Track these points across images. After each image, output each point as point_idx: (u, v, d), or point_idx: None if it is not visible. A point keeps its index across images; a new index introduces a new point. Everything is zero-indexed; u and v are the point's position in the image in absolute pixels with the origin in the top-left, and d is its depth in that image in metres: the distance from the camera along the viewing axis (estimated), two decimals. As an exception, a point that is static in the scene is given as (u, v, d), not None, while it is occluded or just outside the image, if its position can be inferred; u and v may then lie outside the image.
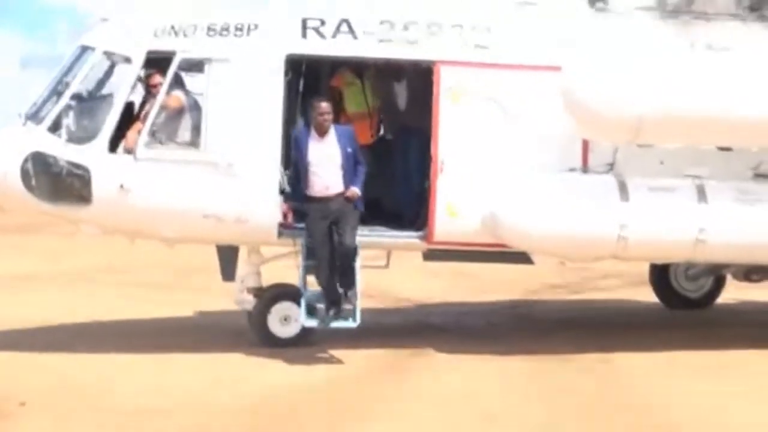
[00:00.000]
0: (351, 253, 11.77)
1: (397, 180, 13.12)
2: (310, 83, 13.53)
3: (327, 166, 11.70)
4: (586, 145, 12.37)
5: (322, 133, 11.73)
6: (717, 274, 15.73)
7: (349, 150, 11.76)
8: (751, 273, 14.31)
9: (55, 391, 10.40)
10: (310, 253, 11.96)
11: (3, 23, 67.61)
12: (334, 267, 11.82)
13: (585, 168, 12.39)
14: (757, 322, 14.85)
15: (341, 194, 11.76)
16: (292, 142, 11.89)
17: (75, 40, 12.86)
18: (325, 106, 11.74)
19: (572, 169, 12.33)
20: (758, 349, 12.52)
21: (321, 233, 11.80)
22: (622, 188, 12.06)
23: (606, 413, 9.72)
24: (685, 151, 12.32)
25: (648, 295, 16.42)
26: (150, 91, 12.36)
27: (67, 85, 12.29)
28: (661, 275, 16.09)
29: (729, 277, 15.71)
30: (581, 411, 9.82)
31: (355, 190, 11.80)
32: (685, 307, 15.93)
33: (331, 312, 11.82)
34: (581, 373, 11.43)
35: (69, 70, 12.47)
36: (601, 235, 11.97)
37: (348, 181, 11.77)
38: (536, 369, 11.51)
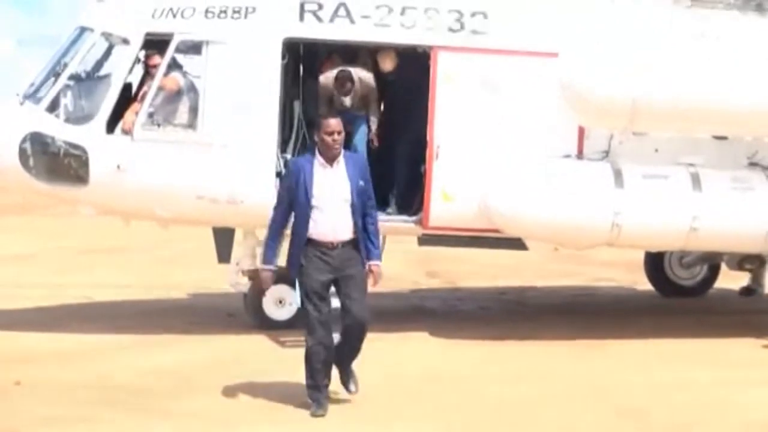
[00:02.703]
0: (360, 329, 9.04)
1: (391, 164, 13.11)
2: (308, 67, 13.57)
3: (334, 202, 8.91)
4: (581, 132, 12.39)
5: (330, 159, 8.95)
6: (711, 263, 15.78)
7: (362, 184, 9.00)
8: (745, 262, 14.36)
9: (52, 370, 10.45)
10: (303, 318, 9.19)
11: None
12: (329, 343, 9.06)
13: (580, 155, 12.41)
14: (750, 310, 14.88)
15: (350, 244, 8.98)
16: (288, 173, 9.34)
17: (72, 20, 12.87)
18: (335, 123, 8.97)
19: (567, 156, 12.35)
20: (751, 338, 12.58)
21: (317, 291, 8.92)
22: (617, 175, 12.08)
23: (591, 397, 9.77)
24: (680, 139, 12.36)
25: (642, 283, 16.48)
26: (149, 72, 12.38)
27: (65, 65, 12.32)
28: (655, 263, 16.12)
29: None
30: (567, 394, 9.89)
31: (378, 266, 9.15)
32: (679, 295, 15.98)
33: (312, 407, 8.97)
34: (571, 357, 11.48)
35: (67, 50, 12.49)
36: (596, 222, 12.00)
37: (357, 226, 9.00)
38: (527, 353, 11.56)
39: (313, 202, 8.87)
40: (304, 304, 9.08)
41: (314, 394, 9.00)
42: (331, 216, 8.90)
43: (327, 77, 12.64)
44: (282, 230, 9.25)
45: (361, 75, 12.60)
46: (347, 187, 8.96)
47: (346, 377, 9.34)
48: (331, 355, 9.06)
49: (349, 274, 8.97)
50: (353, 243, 8.98)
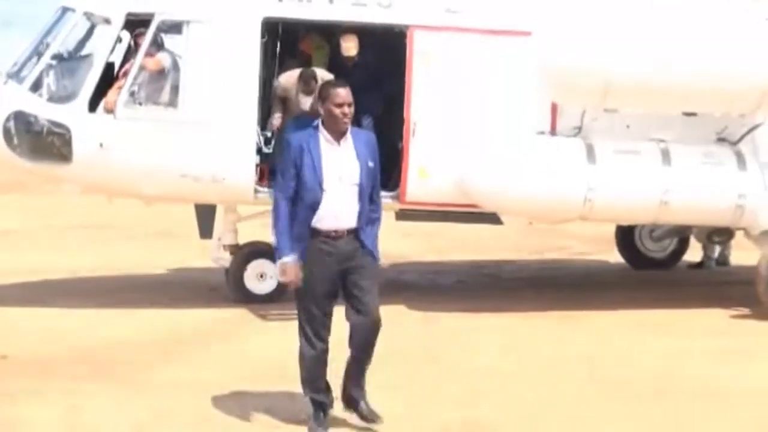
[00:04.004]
0: (374, 327, 7.58)
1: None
2: (286, 46, 13.50)
3: (342, 185, 7.44)
4: (554, 109, 12.35)
5: (338, 135, 7.46)
6: (680, 236, 15.84)
7: (371, 164, 7.53)
8: (714, 235, 14.39)
9: (36, 344, 10.39)
10: (302, 318, 7.63)
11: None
12: (324, 349, 7.64)
13: (553, 131, 12.38)
14: (718, 282, 14.93)
15: (355, 233, 7.53)
16: (290, 148, 7.54)
17: (55, 1, 12.76)
18: (345, 93, 7.44)
19: (541, 133, 12.31)
20: (718, 308, 12.61)
21: (321, 286, 7.48)
22: (590, 151, 12.06)
23: (566, 366, 9.77)
24: (650, 116, 12.34)
25: (614, 256, 16.50)
26: (137, 50, 12.28)
27: (48, 45, 12.22)
28: (626, 236, 16.17)
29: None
30: (542, 363, 9.88)
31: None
32: (649, 268, 16.02)
33: (313, 424, 7.70)
34: (546, 328, 11.48)
35: (50, 30, 12.39)
36: (569, 197, 11.99)
37: (363, 212, 7.54)
38: (503, 325, 11.55)
39: (324, 183, 7.37)
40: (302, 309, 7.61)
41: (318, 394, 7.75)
42: (337, 201, 7.40)
43: (288, 76, 12.49)
44: (290, 214, 7.49)
45: (324, 76, 12.21)
46: (356, 167, 7.44)
47: (358, 395, 7.82)
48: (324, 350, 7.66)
49: (359, 264, 7.52)
50: (355, 233, 7.51)
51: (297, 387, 7.97)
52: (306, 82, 12.32)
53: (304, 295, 7.49)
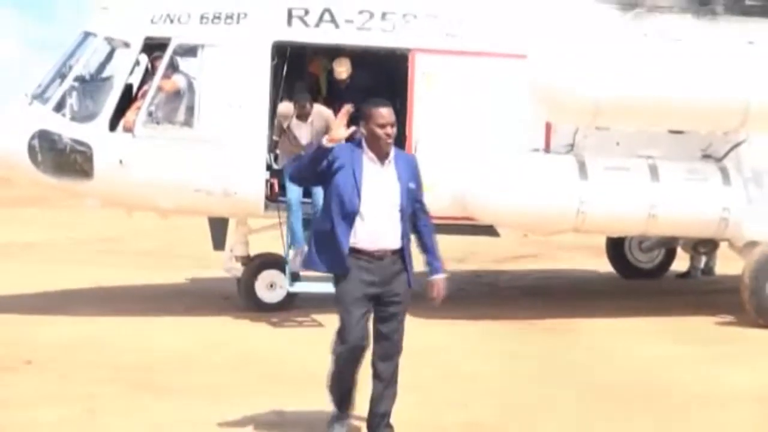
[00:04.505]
0: (396, 355, 7.16)
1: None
2: (295, 68, 13.52)
3: (384, 207, 6.89)
4: (548, 127, 12.37)
5: (382, 156, 6.93)
6: (668, 247, 15.83)
7: (412, 186, 6.99)
8: (699, 246, 14.39)
9: (59, 350, 10.37)
10: (341, 338, 7.01)
11: (11, 5, 67.63)
12: (354, 370, 7.10)
13: (547, 149, 12.39)
14: (704, 291, 14.91)
15: (397, 254, 6.99)
16: (332, 150, 6.86)
17: (77, 25, 12.82)
18: (388, 113, 6.92)
19: (536, 150, 12.32)
20: (704, 316, 12.60)
21: (358, 309, 6.91)
22: (582, 167, 12.07)
23: (560, 372, 9.73)
24: (639, 134, 12.34)
25: (604, 266, 16.48)
26: (154, 72, 12.31)
27: (71, 68, 12.29)
28: (616, 247, 16.19)
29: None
30: (537, 369, 9.86)
31: (440, 282, 7.29)
32: (638, 277, 16.02)
33: (333, 422, 7.30)
34: (541, 335, 11.46)
35: (72, 54, 12.44)
36: (562, 210, 11.99)
37: (404, 234, 7.00)
38: (500, 332, 11.53)
39: (362, 204, 6.84)
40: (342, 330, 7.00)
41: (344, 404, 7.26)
42: (379, 222, 6.86)
43: (285, 105, 12.34)
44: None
45: (320, 109, 12.22)
46: (397, 189, 6.91)
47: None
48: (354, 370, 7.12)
49: (394, 292, 7.00)
50: (400, 253, 6.98)
51: (311, 393, 7.98)
52: (301, 106, 12.17)
53: (345, 304, 6.93)
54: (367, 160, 6.89)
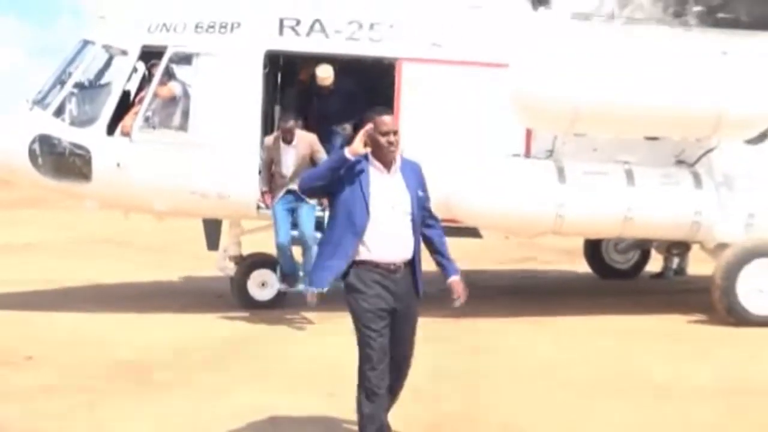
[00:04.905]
0: (406, 369, 6.77)
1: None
2: (287, 76, 13.51)
3: (395, 215, 6.49)
4: (528, 134, 12.37)
5: (387, 164, 6.52)
6: (643, 248, 15.85)
7: (421, 194, 6.62)
8: (672, 247, 14.44)
9: (58, 346, 10.35)
10: (365, 364, 6.44)
11: (12, 14, 67.51)
12: (380, 386, 6.45)
13: (527, 154, 12.39)
14: (676, 290, 14.94)
15: (410, 265, 6.58)
16: (322, 162, 6.92)
17: (77, 34, 12.80)
18: (390, 121, 6.50)
19: (516, 155, 12.32)
20: (677, 315, 12.61)
21: (377, 326, 6.42)
22: (560, 172, 12.07)
23: (538, 368, 9.73)
24: (615, 140, 12.34)
25: (582, 266, 16.50)
26: (151, 79, 12.28)
27: (70, 74, 12.30)
28: (593, 249, 16.20)
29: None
30: (516, 365, 9.84)
31: (458, 282, 6.91)
32: (614, 277, 16.05)
33: None
34: (520, 333, 11.46)
35: (72, 61, 12.45)
36: (542, 213, 11.98)
37: (416, 244, 6.60)
38: (480, 329, 11.52)
39: (371, 214, 6.41)
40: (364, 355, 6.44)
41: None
42: (391, 230, 6.44)
43: (270, 137, 11.93)
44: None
45: (304, 134, 11.89)
46: (407, 197, 6.50)
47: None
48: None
49: (405, 309, 6.55)
50: (412, 264, 6.57)
51: (302, 389, 7.95)
52: (285, 121, 11.82)
53: (364, 323, 6.41)
54: (374, 169, 6.48)
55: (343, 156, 6.40)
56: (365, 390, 6.41)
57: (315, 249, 11.18)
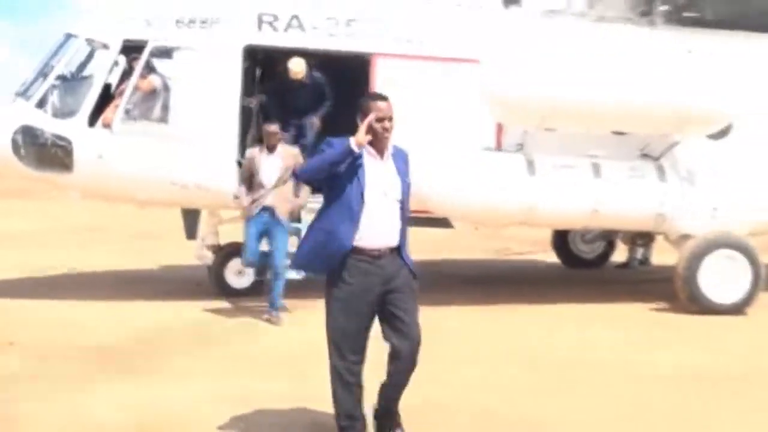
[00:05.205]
0: (417, 351, 6.44)
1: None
2: (265, 70, 13.46)
3: (386, 202, 6.34)
4: (499, 128, 12.37)
5: (380, 150, 6.39)
6: (609, 239, 15.92)
7: (408, 182, 6.55)
8: (637, 238, 14.52)
9: (40, 331, 10.28)
10: (335, 336, 6.35)
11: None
12: (359, 371, 6.42)
13: (498, 148, 12.39)
14: (641, 280, 15.00)
15: (397, 250, 6.39)
16: (331, 145, 6.31)
17: (61, 30, 12.71)
18: (386, 107, 6.38)
19: (488, 149, 12.32)
20: (641, 303, 12.67)
21: (361, 305, 6.30)
22: (530, 165, 12.09)
23: (506, 353, 9.75)
24: (583, 134, 12.37)
25: (550, 256, 16.54)
26: (132, 72, 12.19)
27: (53, 67, 12.17)
28: (561, 239, 16.26)
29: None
30: (485, 351, 9.86)
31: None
32: (581, 267, 16.11)
33: None
34: (490, 319, 11.48)
35: (54, 54, 12.33)
36: (512, 205, 12.00)
37: (404, 229, 6.47)
38: (451, 316, 11.53)
39: (366, 201, 6.24)
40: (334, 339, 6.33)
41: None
42: (381, 217, 6.27)
43: (251, 150, 11.57)
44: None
45: (287, 148, 11.59)
46: (398, 184, 6.39)
47: (392, 423, 6.65)
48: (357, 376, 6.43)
49: (402, 284, 6.35)
50: (398, 250, 6.39)
51: (277, 373, 7.90)
52: (269, 125, 11.50)
53: (339, 312, 6.27)
54: (368, 156, 6.32)
55: (349, 148, 6.19)
56: (338, 378, 6.37)
57: (286, 277, 11.17)
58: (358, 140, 6.21)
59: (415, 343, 6.37)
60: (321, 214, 6.41)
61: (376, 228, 6.25)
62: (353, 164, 6.23)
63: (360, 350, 6.36)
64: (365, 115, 6.28)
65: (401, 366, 6.39)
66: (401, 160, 6.49)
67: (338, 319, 6.29)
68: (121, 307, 11.66)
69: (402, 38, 12.25)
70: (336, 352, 6.35)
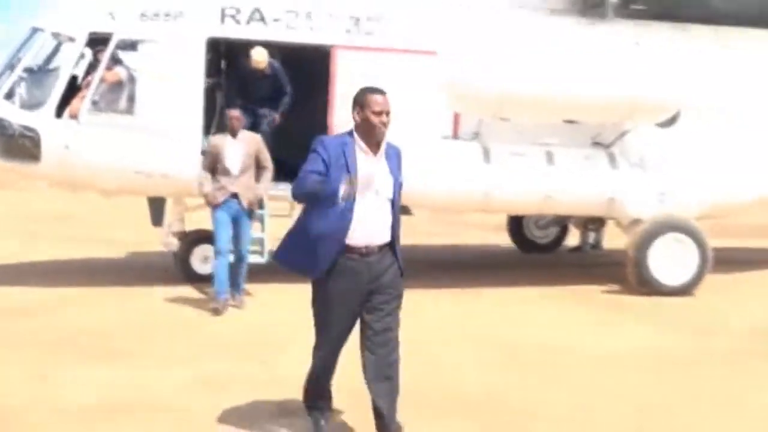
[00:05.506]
0: (394, 347, 6.26)
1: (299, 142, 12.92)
2: (228, 62, 13.41)
3: (378, 200, 6.03)
4: (456, 117, 12.40)
5: (375, 146, 6.06)
6: (562, 224, 16.02)
7: (401, 180, 6.23)
8: (589, 223, 14.63)
9: (12, 318, 10.19)
10: (321, 330, 6.22)
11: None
12: (334, 362, 6.33)
13: (455, 136, 12.42)
14: (592, 263, 15.11)
15: (387, 247, 6.13)
16: (323, 148, 6.02)
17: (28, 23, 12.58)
18: (384, 100, 6.06)
19: (445, 137, 12.35)
20: (592, 285, 12.78)
21: (347, 304, 6.08)
22: (486, 153, 12.16)
23: (465, 334, 9.81)
24: (537, 123, 12.43)
25: (505, 241, 16.62)
26: (98, 65, 12.10)
27: (20, 60, 12.05)
28: (516, 225, 16.34)
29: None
30: (447, 332, 9.90)
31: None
32: (535, 251, 16.20)
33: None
34: (449, 302, 11.54)
35: (21, 47, 12.21)
36: (469, 192, 12.06)
37: (395, 227, 6.16)
38: (411, 299, 11.50)
39: (357, 199, 5.92)
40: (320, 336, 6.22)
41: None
42: (371, 215, 5.98)
43: (215, 136, 11.35)
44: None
45: (251, 134, 11.29)
46: (390, 183, 6.08)
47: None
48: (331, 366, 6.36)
49: (387, 282, 6.12)
50: (390, 246, 6.14)
51: (243, 355, 7.87)
52: (233, 110, 11.23)
53: (326, 309, 6.10)
54: (360, 152, 5.99)
55: (336, 197, 5.84)
56: (321, 366, 6.30)
57: (248, 261, 11.20)
58: (343, 198, 5.86)
59: (392, 342, 6.17)
60: (309, 211, 6.08)
61: (366, 226, 5.97)
62: (345, 162, 5.91)
63: (343, 342, 6.24)
64: (361, 107, 6.01)
65: (380, 360, 6.16)
66: (395, 158, 6.18)
67: (326, 315, 6.12)
68: (90, 294, 11.59)
69: (362, 31, 12.23)
70: (323, 345, 6.22)
